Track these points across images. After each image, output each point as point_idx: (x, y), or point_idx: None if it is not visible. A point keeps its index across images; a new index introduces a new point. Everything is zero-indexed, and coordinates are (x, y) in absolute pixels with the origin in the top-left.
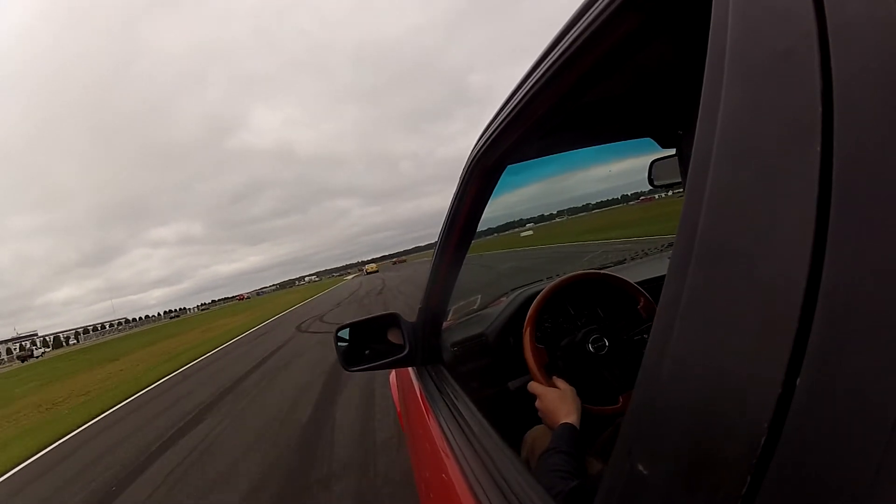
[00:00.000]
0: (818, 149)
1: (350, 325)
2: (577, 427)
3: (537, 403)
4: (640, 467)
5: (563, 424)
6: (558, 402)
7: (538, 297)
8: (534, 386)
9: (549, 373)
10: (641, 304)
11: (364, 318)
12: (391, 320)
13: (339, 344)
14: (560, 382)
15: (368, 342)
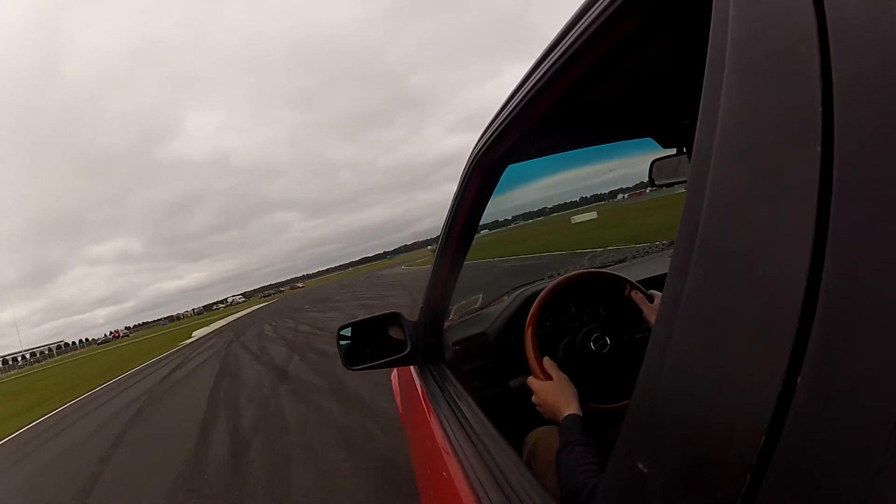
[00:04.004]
0: (818, 149)
1: (352, 324)
2: (581, 414)
3: (534, 398)
4: (641, 466)
5: (567, 417)
6: (557, 393)
7: (540, 295)
8: (530, 381)
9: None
10: None
11: (366, 317)
12: (392, 319)
13: (340, 343)
14: (553, 370)
15: (370, 341)
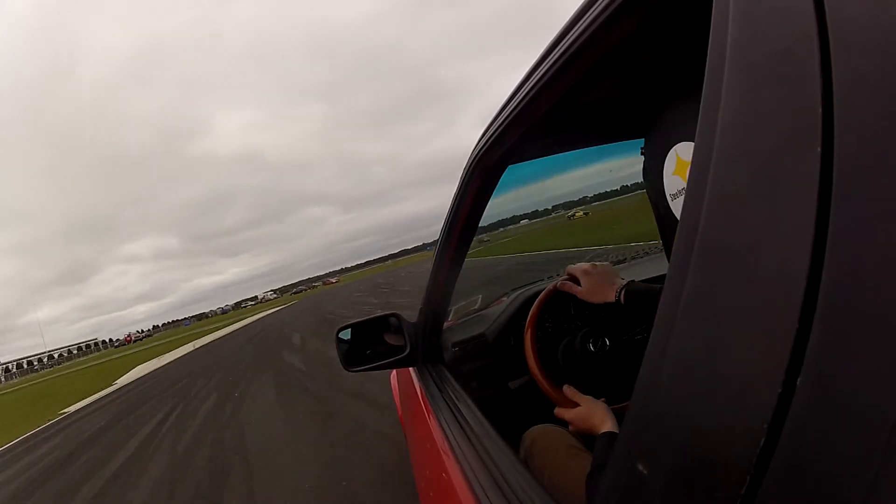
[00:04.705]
0: (818, 149)
1: (351, 326)
2: (617, 431)
3: (571, 428)
4: (640, 467)
5: (601, 435)
6: (591, 415)
7: (539, 297)
8: (560, 412)
9: (550, 374)
10: None
11: (365, 318)
12: (392, 320)
13: (340, 344)
14: (573, 394)
15: (369, 342)
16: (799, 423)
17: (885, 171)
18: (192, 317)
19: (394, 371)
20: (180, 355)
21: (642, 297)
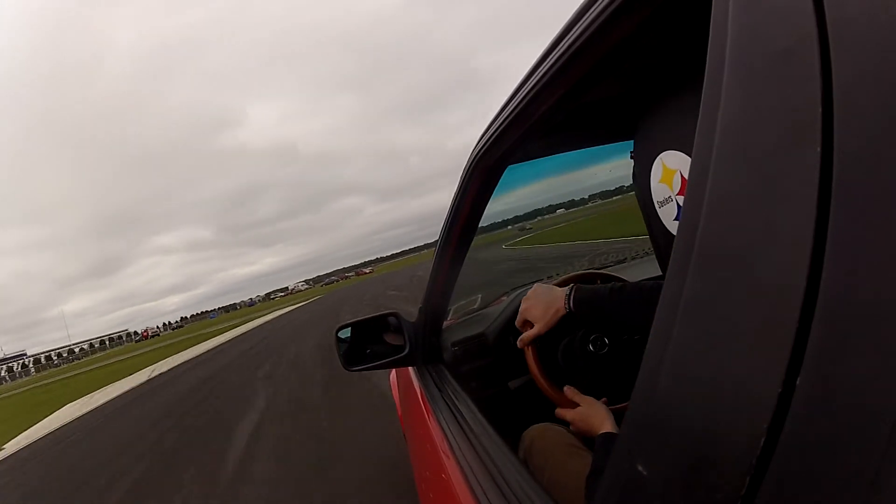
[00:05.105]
0: (818, 149)
1: (351, 325)
2: (615, 431)
3: (572, 428)
4: (640, 467)
5: (601, 435)
6: (590, 415)
7: None
8: (561, 413)
9: (550, 374)
10: None
11: (365, 317)
12: (392, 320)
13: (339, 343)
14: (574, 395)
15: (369, 342)
16: (798, 424)
17: (884, 171)
18: (220, 308)
19: (393, 371)
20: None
21: (591, 303)
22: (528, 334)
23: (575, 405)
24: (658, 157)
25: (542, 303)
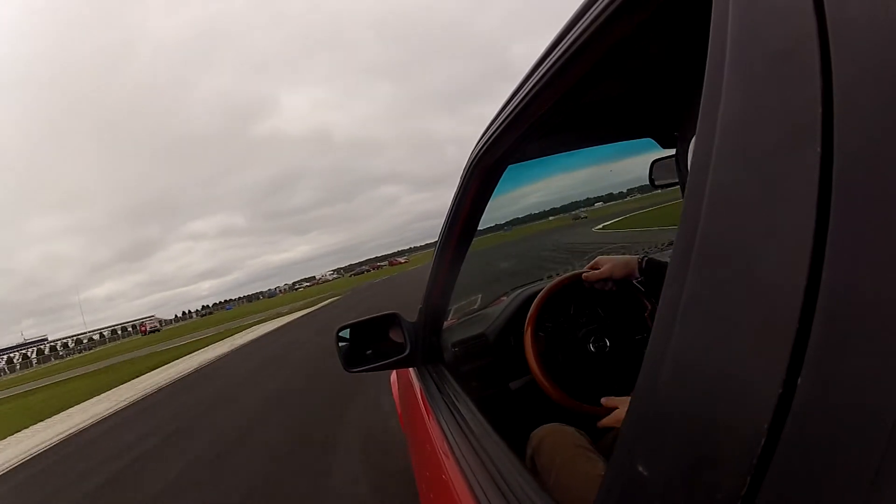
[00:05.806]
0: (818, 149)
1: (351, 326)
2: None
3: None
4: (640, 468)
5: None
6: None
7: (538, 296)
8: (605, 422)
9: (550, 374)
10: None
11: (365, 318)
12: (392, 320)
13: (339, 344)
14: (610, 402)
15: (369, 342)
16: (799, 424)
17: (884, 170)
18: (242, 298)
19: (394, 371)
20: None
21: (659, 269)
22: (592, 273)
23: (611, 411)
24: (692, 141)
25: (620, 259)
